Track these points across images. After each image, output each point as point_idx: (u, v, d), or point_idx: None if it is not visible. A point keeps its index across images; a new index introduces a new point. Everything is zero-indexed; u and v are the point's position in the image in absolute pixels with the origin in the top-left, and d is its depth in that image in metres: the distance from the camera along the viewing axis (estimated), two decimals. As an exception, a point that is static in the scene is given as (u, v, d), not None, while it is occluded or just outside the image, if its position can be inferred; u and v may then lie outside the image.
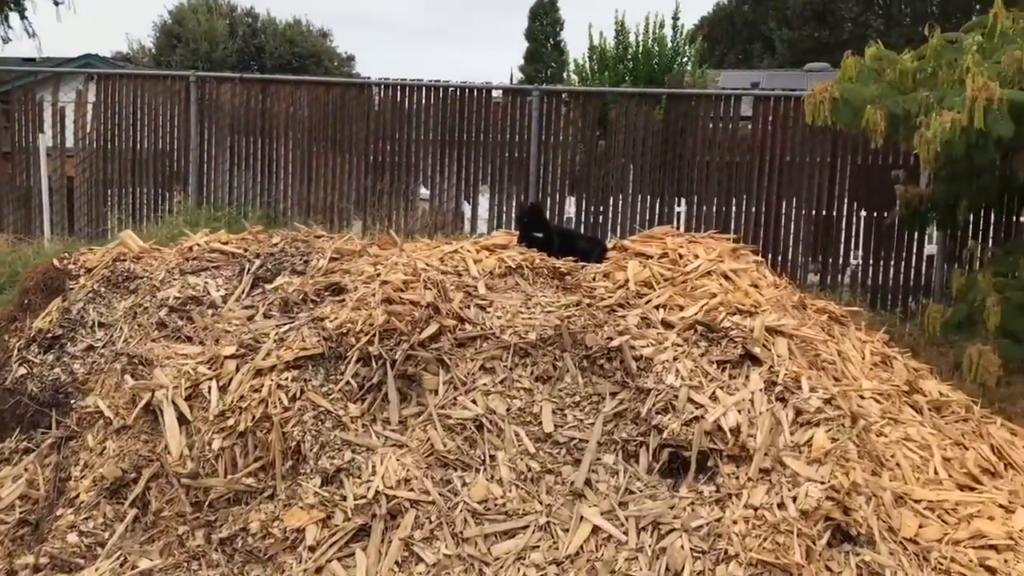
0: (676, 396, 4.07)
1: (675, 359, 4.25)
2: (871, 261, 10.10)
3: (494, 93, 10.68)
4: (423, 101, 10.64)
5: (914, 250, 9.95)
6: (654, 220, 10.24)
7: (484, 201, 10.75)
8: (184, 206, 10.88)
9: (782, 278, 5.68)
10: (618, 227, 10.30)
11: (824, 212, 10.14)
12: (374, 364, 4.25)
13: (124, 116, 11.23)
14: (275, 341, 4.38)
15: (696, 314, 4.49)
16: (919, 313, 9.17)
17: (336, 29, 60.73)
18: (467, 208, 10.85)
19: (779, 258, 10.08)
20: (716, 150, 10.23)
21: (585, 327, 4.43)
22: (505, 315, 4.53)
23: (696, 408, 4.03)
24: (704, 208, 10.28)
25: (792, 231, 10.20)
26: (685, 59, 20.21)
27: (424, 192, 10.94)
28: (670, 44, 19.84)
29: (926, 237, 9.99)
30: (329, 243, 5.31)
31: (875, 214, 10.08)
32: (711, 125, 10.28)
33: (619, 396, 4.22)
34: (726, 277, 4.85)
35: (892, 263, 10.02)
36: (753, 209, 10.21)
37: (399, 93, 10.75)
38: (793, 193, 10.15)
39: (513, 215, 10.25)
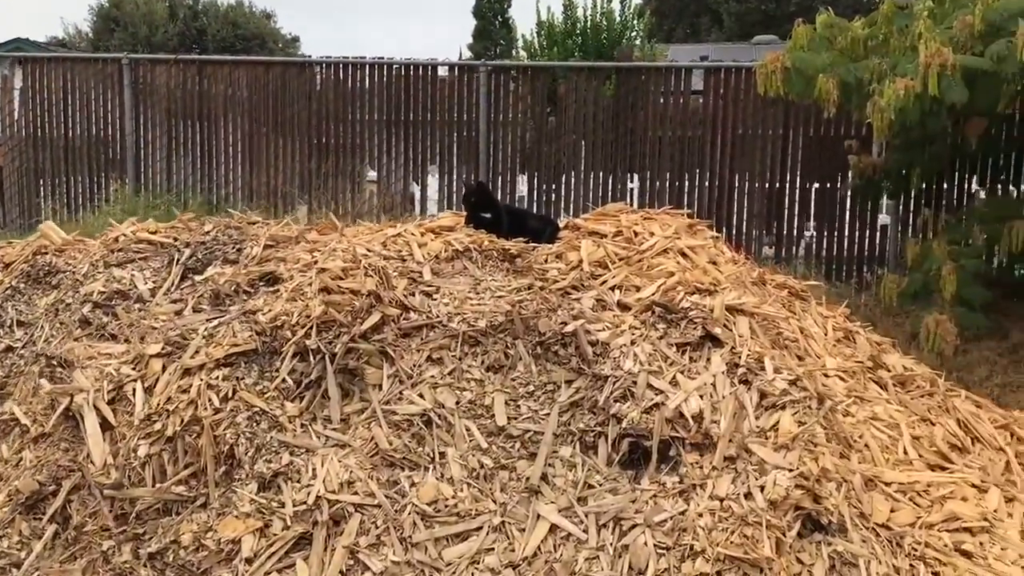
0: (635, 382, 3.82)
1: (633, 343, 4.00)
2: (825, 233, 9.96)
3: (440, 70, 10.34)
4: (367, 80, 10.27)
5: (868, 220, 9.82)
6: (607, 197, 10.00)
7: (433, 182, 10.44)
8: (121, 194, 10.43)
9: (740, 253, 5.46)
10: (571, 205, 10.05)
11: (777, 184, 9.97)
12: (312, 359, 3.95)
13: (55, 102, 10.71)
14: (204, 337, 4.06)
15: (653, 295, 4.25)
16: (874, 284, 9.06)
17: (280, 9, 59.52)
18: (416, 189, 10.53)
19: (733, 232, 9.91)
20: (668, 124, 10.01)
21: (538, 312, 4.17)
22: (453, 301, 4.25)
23: (656, 394, 3.79)
24: (657, 183, 10.06)
25: (746, 204, 10.03)
26: (633, 33, 19.97)
27: (372, 174, 10.60)
28: (618, 19, 19.57)
29: (879, 207, 9.87)
30: (264, 230, 4.98)
31: (828, 185, 9.93)
32: (662, 99, 10.05)
33: (575, 384, 3.97)
34: (683, 255, 4.62)
35: (846, 234, 9.88)
36: (707, 183, 10.02)
37: (342, 71, 10.37)
38: (746, 166, 9.97)
39: (451, 194, 9.97)
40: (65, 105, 10.71)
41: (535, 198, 10.06)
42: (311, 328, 3.99)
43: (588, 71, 10.32)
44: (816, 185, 9.94)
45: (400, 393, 3.93)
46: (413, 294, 4.25)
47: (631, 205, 10.54)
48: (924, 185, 9.27)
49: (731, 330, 4.08)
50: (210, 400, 3.84)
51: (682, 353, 3.99)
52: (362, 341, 4.00)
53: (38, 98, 10.75)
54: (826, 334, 4.81)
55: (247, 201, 10.44)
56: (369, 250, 4.52)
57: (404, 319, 4.14)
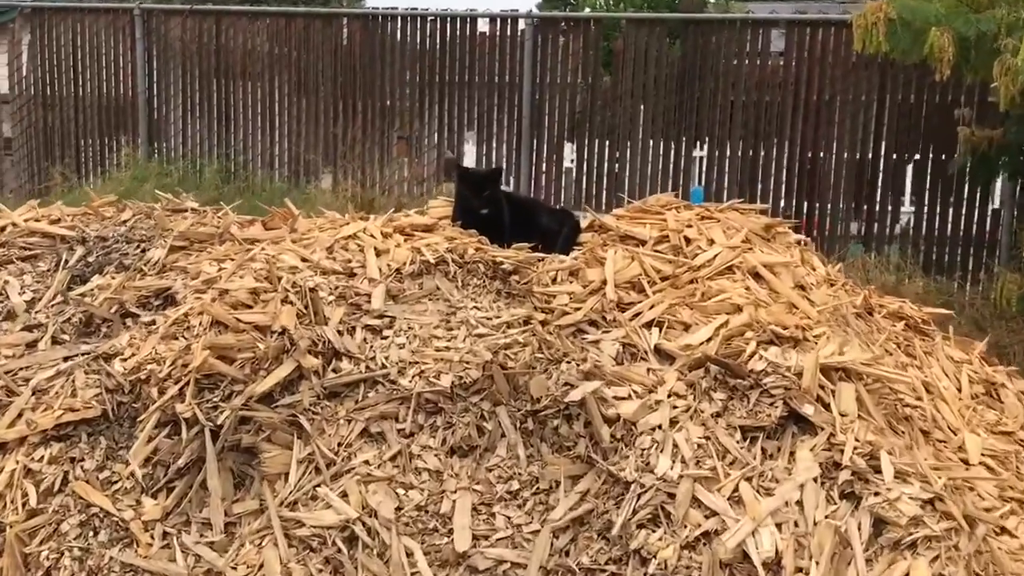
0: (672, 495, 2.33)
1: (674, 423, 2.49)
2: (924, 216, 8.19)
3: (480, 23, 8.76)
4: (398, 34, 8.77)
5: (977, 203, 8.02)
6: (668, 169, 8.38)
7: (471, 150, 8.93)
8: (133, 159, 9.16)
9: (831, 262, 3.90)
10: (625, 180, 8.45)
11: (870, 157, 8.21)
12: (186, 432, 2.54)
13: (63, 57, 9.46)
14: (34, 394, 2.68)
15: (709, 343, 2.72)
16: (984, 279, 7.34)
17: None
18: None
19: (815, 210, 8.22)
20: (742, 87, 8.30)
21: (531, 365, 2.68)
22: (410, 342, 2.78)
23: (706, 518, 2.29)
24: (728, 154, 8.38)
25: (831, 180, 8.29)
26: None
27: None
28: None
29: (993, 188, 8.06)
30: (185, 223, 3.57)
31: (931, 160, 8.14)
32: (735, 59, 8.34)
33: (582, 485, 2.49)
34: (757, 276, 3.06)
35: (950, 218, 8.10)
36: (785, 155, 8.31)
37: (370, 24, 8.88)
38: (832, 136, 8.23)
39: (490, 163, 8.45)
40: (74, 60, 9.44)
41: (584, 171, 8.48)
42: (187, 385, 2.57)
43: (650, 24, 8.64)
44: (917, 159, 8.17)
45: (314, 490, 2.50)
46: (352, 331, 2.80)
47: (697, 180, 8.95)
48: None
49: (829, 405, 2.54)
50: (24, 496, 2.46)
51: (750, 444, 2.47)
52: (262, 406, 2.58)
53: (46, 53, 9.50)
54: (961, 389, 3.23)
55: (267, 169, 9.10)
56: (305, 260, 3.07)
57: (332, 371, 2.69)
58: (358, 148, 8.91)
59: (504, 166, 8.55)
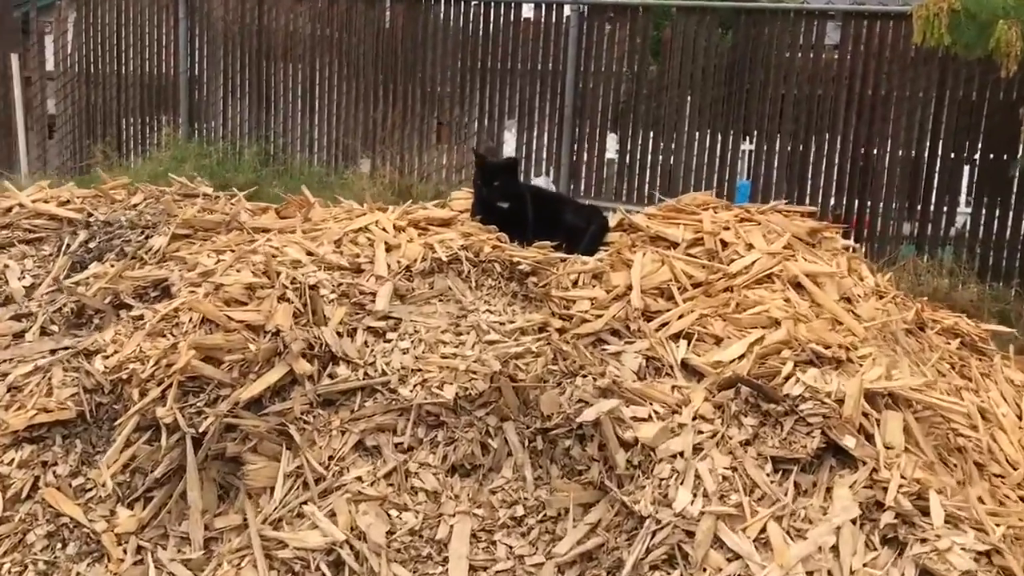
0: (691, 533, 2.06)
1: (697, 450, 2.23)
2: (983, 219, 7.75)
3: (525, 8, 8.48)
4: (441, 17, 8.53)
5: (1040, 207, 7.56)
6: (714, 162, 8.02)
7: (511, 138, 8.67)
8: (173, 139, 9.05)
9: (880, 270, 3.58)
10: (669, 170, 8.13)
11: (926, 155, 7.79)
12: (166, 438, 2.34)
13: (107, 35, 9.38)
14: (9, 390, 2.49)
15: (741, 360, 2.45)
16: (1046, 289, 6.92)
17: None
18: (489, 146, 8.79)
19: (866, 209, 7.81)
20: (794, 79, 7.92)
21: (543, 378, 2.43)
22: (415, 347, 2.55)
23: (728, 560, 2.03)
24: (777, 148, 8.01)
25: (884, 178, 7.88)
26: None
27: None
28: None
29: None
30: (192, 209, 3.37)
31: (990, 160, 7.70)
32: (788, 50, 7.95)
33: (592, 515, 2.24)
34: (798, 286, 2.77)
35: (1009, 222, 7.65)
36: (836, 150, 7.91)
37: (413, 8, 8.64)
38: (887, 132, 7.81)
39: (530, 153, 8.20)
40: (118, 39, 9.35)
41: (626, 162, 8.16)
42: (170, 387, 2.37)
43: (701, 12, 8.28)
44: (975, 159, 7.72)
45: (300, 507, 2.28)
46: (353, 333, 2.57)
47: (742, 173, 8.60)
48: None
49: (873, 436, 2.25)
50: (-10, 503, 2.28)
51: (781, 477, 2.19)
52: (248, 413, 2.36)
53: (91, 31, 9.44)
54: (1022, 416, 2.91)
55: (305, 152, 8.93)
56: (310, 253, 2.85)
57: (328, 376, 2.47)
58: (397, 134, 8.70)
59: (544, 156, 8.30)
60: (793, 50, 7.91)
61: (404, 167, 8.57)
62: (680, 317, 2.65)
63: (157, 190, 3.68)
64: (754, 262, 2.82)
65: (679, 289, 2.77)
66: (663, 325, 2.64)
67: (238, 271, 2.67)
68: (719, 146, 8.07)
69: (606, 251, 3.01)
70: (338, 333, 2.53)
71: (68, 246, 3.27)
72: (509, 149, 8.73)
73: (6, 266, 3.21)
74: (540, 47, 8.29)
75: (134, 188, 3.74)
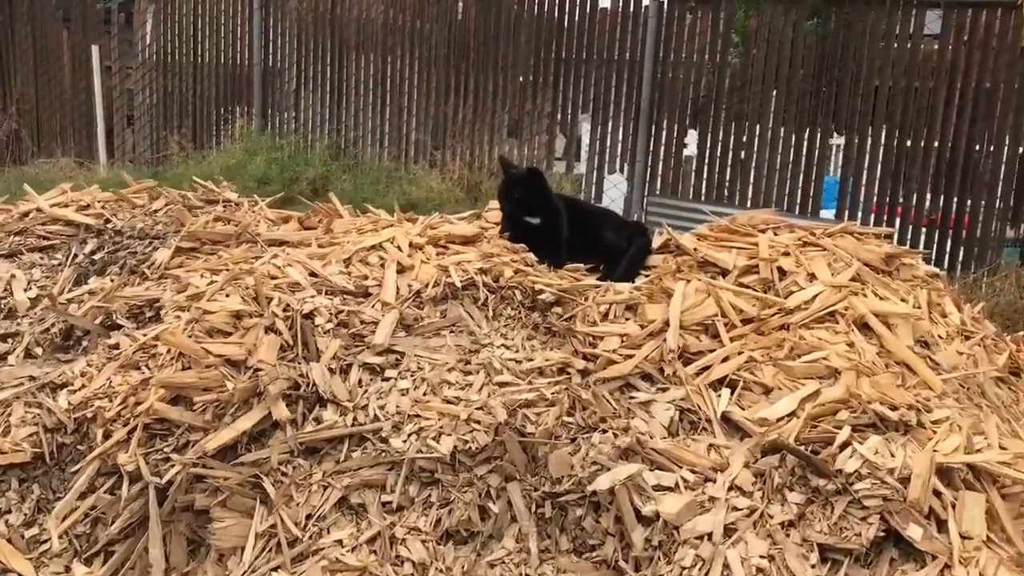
0: (714, 640, 1.70)
1: (728, 532, 1.86)
2: (1098, 227, 7.03)
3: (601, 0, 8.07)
4: (514, 6, 8.17)
5: None
6: (800, 159, 7.48)
7: (584, 134, 8.27)
8: (247, 131, 8.96)
9: (978, 280, 3.10)
10: (751, 168, 7.62)
11: (1034, 157, 7.09)
12: (127, 487, 2.08)
13: (185, 25, 9.34)
14: (-31, 427, 2.26)
15: (790, 419, 2.06)
16: None
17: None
18: (562, 143, 8.42)
19: (965, 209, 7.17)
20: (889, 72, 7.32)
21: (555, 433, 2.09)
22: (415, 387, 2.23)
23: None
24: (868, 145, 7.41)
25: (987, 178, 7.22)
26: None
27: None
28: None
29: None
30: (204, 217, 3.12)
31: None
32: (883, 41, 7.34)
33: (600, 602, 1.88)
34: (866, 326, 2.35)
35: None
36: (934, 149, 7.28)
37: (487, -3, 8.32)
38: (992, 130, 7.14)
39: (604, 149, 7.80)
40: (195, 30, 9.30)
41: (706, 159, 7.69)
42: (135, 430, 2.10)
43: (788, 1, 7.73)
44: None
45: (271, 574, 1.99)
46: (347, 370, 2.27)
47: (830, 170, 8.04)
48: None
49: (946, 522, 1.84)
50: (-66, 555, 2.05)
51: (830, 570, 1.80)
52: (219, 463, 2.08)
53: (169, 21, 9.41)
54: None
55: (377, 147, 8.72)
56: (313, 275, 2.56)
57: (314, 420, 2.17)
58: (468, 128, 8.41)
59: (619, 152, 7.89)
60: (889, 41, 7.30)
61: (474, 162, 8.27)
62: (724, 360, 2.27)
63: (179, 195, 3.45)
64: (815, 296, 2.41)
65: (726, 326, 2.38)
66: (704, 369, 2.27)
67: (227, 295, 2.40)
68: (806, 143, 7.52)
69: (646, 277, 2.63)
70: (330, 370, 2.23)
71: (76, 256, 3.07)
72: (584, 144, 8.34)
73: (13, 276, 3.02)
74: (617, 38, 7.87)
75: (157, 192, 3.52)
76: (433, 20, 8.46)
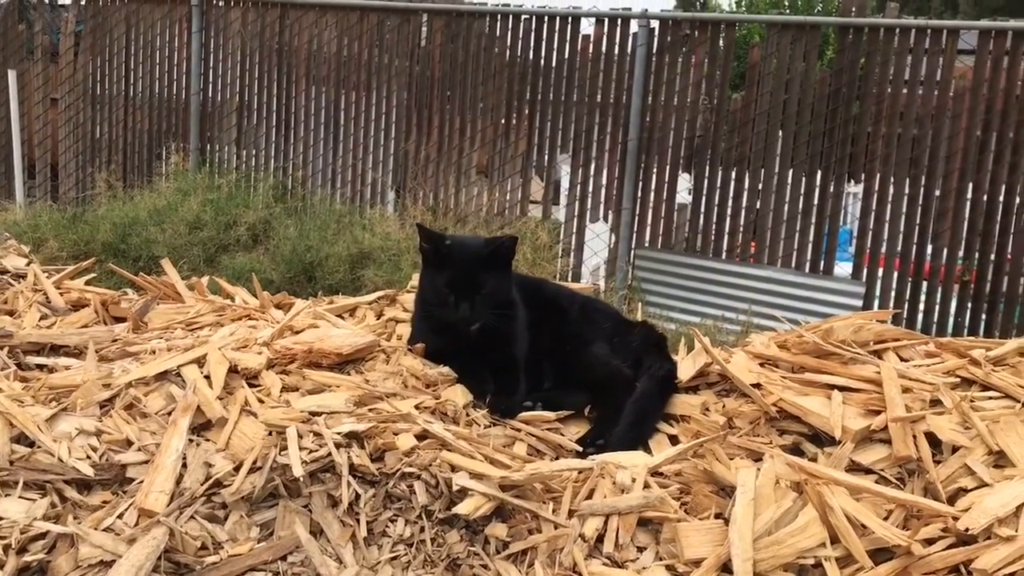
0: None
1: None
2: None
3: (584, 24, 6.90)
4: (484, 33, 7.00)
5: None
6: (811, 207, 6.31)
7: (563, 178, 7.06)
8: (182, 169, 7.68)
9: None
10: (754, 217, 6.44)
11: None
12: None
13: (115, 51, 8.08)
14: None
15: None
16: None
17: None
18: (538, 185, 7.20)
19: (1004, 267, 6.01)
20: (914, 110, 6.17)
21: None
22: None
23: None
24: (890, 193, 6.23)
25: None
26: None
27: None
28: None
29: None
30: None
31: None
32: (907, 75, 6.20)
33: None
34: None
35: None
36: (968, 197, 6.12)
37: (453, 24, 7.13)
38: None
39: (586, 194, 6.61)
40: (126, 56, 8.05)
41: (702, 207, 6.49)
42: None
43: (797, 29, 6.58)
44: None
45: None
46: None
47: (844, 220, 6.85)
48: None
49: None
50: None
51: None
52: None
53: (98, 47, 8.16)
54: None
55: (328, 187, 7.47)
56: (21, 440, 1.28)
57: None
58: (432, 168, 7.18)
59: (603, 198, 6.69)
60: (914, 75, 6.16)
61: (438, 206, 7.04)
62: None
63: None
64: (1021, 510, 1.15)
65: (843, 567, 1.12)
66: None
67: None
68: (817, 189, 6.34)
69: (676, 447, 1.37)
70: None
71: None
72: (563, 188, 7.13)
73: None
74: (601, 68, 6.71)
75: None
76: (393, 47, 7.27)
